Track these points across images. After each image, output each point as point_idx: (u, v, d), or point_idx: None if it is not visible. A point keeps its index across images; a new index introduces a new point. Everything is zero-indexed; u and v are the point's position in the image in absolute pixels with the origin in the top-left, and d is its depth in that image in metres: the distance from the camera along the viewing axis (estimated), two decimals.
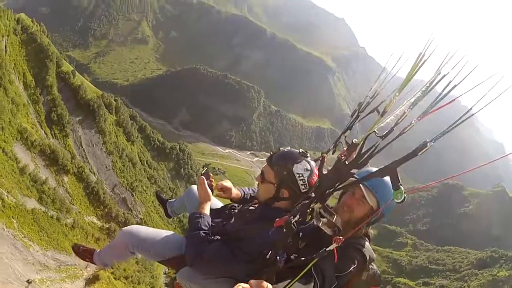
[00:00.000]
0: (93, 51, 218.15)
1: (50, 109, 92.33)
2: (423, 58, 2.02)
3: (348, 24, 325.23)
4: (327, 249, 2.30)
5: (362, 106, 3.28)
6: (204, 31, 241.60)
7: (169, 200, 4.37)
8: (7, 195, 66.25)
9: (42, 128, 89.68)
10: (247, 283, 2.09)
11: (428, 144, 2.09)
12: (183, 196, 4.06)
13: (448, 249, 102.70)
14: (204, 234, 3.02)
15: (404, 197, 2.13)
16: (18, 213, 44.02)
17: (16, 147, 78.95)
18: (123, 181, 74.66)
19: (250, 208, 3.34)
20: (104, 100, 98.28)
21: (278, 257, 2.43)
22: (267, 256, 2.54)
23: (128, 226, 3.66)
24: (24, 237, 39.73)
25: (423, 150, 2.20)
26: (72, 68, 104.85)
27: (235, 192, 3.62)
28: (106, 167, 75.24)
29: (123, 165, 77.47)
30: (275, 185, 3.04)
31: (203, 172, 3.50)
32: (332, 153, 3.42)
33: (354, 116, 3.38)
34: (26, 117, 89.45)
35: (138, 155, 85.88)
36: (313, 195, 2.50)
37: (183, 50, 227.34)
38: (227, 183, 3.58)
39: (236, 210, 3.47)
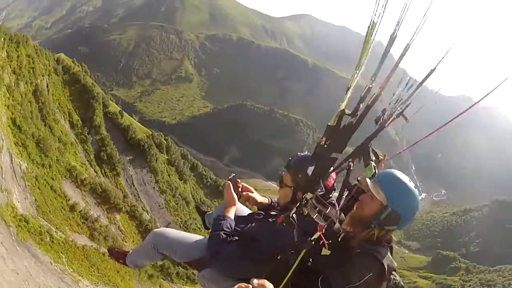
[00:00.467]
0: (137, 90, 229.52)
1: (99, 149, 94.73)
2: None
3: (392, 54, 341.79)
4: (312, 238, 2.58)
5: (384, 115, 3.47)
6: (246, 66, 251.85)
7: (207, 212, 4.56)
8: (55, 231, 65.25)
9: (91, 167, 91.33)
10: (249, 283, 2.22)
11: (394, 115, 2.92)
12: (218, 208, 4.07)
13: (499, 268, 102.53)
14: (224, 235, 3.20)
15: (374, 172, 3.08)
16: (67, 248, 43.44)
17: (65, 184, 79.83)
18: (177, 219, 75.89)
19: (272, 213, 3.53)
20: (154, 139, 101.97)
21: (290, 259, 2.65)
22: (279, 257, 2.76)
23: (159, 228, 4.07)
24: (73, 271, 38.97)
25: (389, 121, 2.90)
26: (120, 109, 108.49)
27: (261, 199, 3.76)
28: (159, 205, 77.00)
29: (177, 204, 79.25)
30: (292, 188, 3.20)
31: (230, 177, 3.62)
32: (358, 161, 3.73)
33: (379, 124, 3.51)
34: (75, 155, 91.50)
35: (191, 193, 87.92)
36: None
37: (227, 87, 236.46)
38: (254, 193, 3.74)
39: (261, 216, 3.60)
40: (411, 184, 2.86)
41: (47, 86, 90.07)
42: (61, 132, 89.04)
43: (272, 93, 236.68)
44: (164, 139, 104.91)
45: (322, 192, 3.10)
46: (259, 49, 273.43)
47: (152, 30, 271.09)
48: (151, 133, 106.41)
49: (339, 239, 3.07)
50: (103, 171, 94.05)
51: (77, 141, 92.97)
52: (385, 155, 4.18)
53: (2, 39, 73.86)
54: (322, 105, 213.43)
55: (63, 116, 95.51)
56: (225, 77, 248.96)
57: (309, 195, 2.61)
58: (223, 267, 3.15)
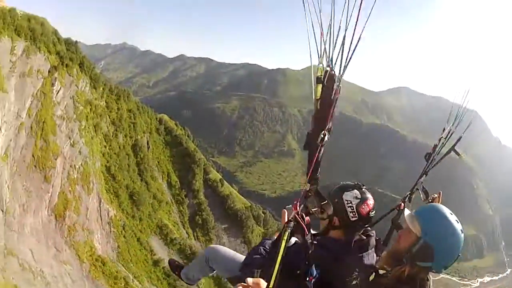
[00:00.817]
0: (239, 160, 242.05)
1: (195, 212, 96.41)
2: None
3: (481, 116, 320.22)
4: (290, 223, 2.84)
5: (438, 147, 4.65)
6: (348, 142, 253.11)
7: (182, 271, 5.03)
8: (132, 279, 63.23)
9: (184, 228, 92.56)
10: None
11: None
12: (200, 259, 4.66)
13: None
14: (262, 250, 3.45)
15: None
16: None
17: (153, 239, 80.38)
18: None
19: None
20: (252, 211, 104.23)
21: (307, 272, 2.74)
22: (297, 271, 2.85)
23: (214, 244, 4.80)
24: None
25: (442, 157, 4.41)
26: (220, 177, 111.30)
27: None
28: None
29: None
30: (331, 214, 3.29)
31: (287, 207, 3.64)
32: (409, 201, 4.47)
33: (430, 160, 4.60)
34: (168, 214, 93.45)
35: None
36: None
37: (331, 163, 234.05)
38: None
39: None
40: (451, 218, 2.79)
41: (148, 143, 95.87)
42: (157, 189, 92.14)
43: (372, 171, 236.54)
44: (263, 212, 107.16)
45: (355, 218, 3.11)
46: (360, 125, 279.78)
47: (255, 102, 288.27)
48: (249, 204, 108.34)
49: (370, 278, 3.01)
50: (195, 235, 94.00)
51: (173, 201, 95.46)
52: (439, 193, 4.36)
53: (102, 89, 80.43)
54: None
55: (162, 175, 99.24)
56: (328, 153, 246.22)
57: (307, 186, 2.85)
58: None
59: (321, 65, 2.73)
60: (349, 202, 3.16)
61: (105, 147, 78.52)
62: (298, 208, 2.93)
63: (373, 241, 3.25)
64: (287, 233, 2.61)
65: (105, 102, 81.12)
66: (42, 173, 56.12)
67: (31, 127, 54.22)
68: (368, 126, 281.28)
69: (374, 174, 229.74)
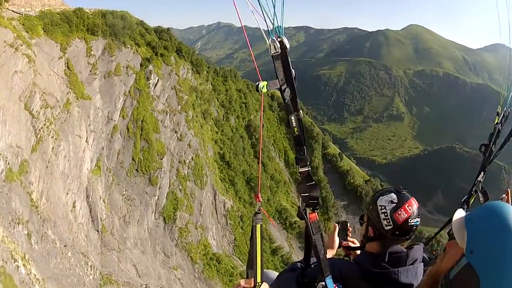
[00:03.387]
0: (349, 126, 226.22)
1: None
2: None
3: None
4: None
5: (493, 138, 3.90)
6: (454, 104, 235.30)
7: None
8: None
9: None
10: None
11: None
12: None
13: None
14: (298, 265, 2.85)
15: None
16: None
17: (272, 226, 70.17)
18: None
19: None
20: (371, 185, 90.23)
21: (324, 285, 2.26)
22: (316, 285, 2.33)
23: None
24: None
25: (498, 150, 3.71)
26: (339, 151, 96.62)
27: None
28: None
29: None
30: (366, 223, 2.72)
31: (340, 220, 3.35)
32: (467, 207, 3.88)
33: (487, 153, 3.87)
34: (286, 195, 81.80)
35: None
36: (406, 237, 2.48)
37: (438, 127, 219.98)
38: (356, 245, 3.29)
39: None
40: None
41: (261, 122, 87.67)
42: (275, 170, 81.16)
43: (480, 135, 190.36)
44: (380, 185, 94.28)
45: (389, 227, 2.42)
46: (465, 86, 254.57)
47: (360, 66, 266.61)
48: (368, 178, 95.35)
49: None
50: None
51: (291, 180, 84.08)
52: (507, 192, 3.45)
53: (206, 72, 67.76)
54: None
55: (279, 154, 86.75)
56: (435, 116, 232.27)
57: (304, 169, 2.15)
58: None
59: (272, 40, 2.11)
60: (382, 207, 2.45)
61: (217, 133, 68.32)
62: (260, 198, 2.28)
63: (415, 254, 2.41)
64: (258, 226, 2.17)
65: (211, 85, 70.12)
66: (146, 176, 47.25)
67: (128, 129, 44.89)
68: (472, 87, 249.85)
69: (482, 138, 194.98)
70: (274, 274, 3.53)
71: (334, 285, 2.22)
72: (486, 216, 1.58)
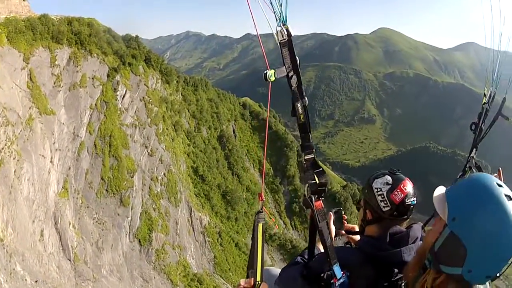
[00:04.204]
0: (321, 131, 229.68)
1: (291, 199, 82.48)
2: None
3: None
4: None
5: (481, 119, 4.06)
6: (425, 104, 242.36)
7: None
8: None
9: (281, 219, 79.28)
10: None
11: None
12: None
13: None
14: (299, 259, 2.88)
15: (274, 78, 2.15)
16: None
17: (250, 239, 68.04)
18: None
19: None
20: (349, 190, 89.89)
21: (335, 276, 2.21)
22: (323, 276, 2.31)
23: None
24: None
25: (490, 124, 3.62)
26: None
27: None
28: None
29: None
30: (363, 208, 2.78)
31: (335, 210, 3.34)
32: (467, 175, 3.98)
33: (478, 131, 4.07)
34: (264, 205, 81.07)
35: None
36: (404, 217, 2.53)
37: (410, 127, 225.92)
38: (356, 229, 3.21)
39: None
40: (499, 191, 1.59)
41: (234, 132, 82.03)
42: (250, 181, 79.46)
43: (453, 133, 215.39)
44: (358, 190, 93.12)
45: (387, 208, 2.48)
46: (436, 86, 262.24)
47: (330, 70, 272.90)
48: (345, 183, 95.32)
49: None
50: (292, 224, 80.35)
51: (267, 190, 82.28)
52: (499, 170, 3.54)
53: (175, 82, 64.96)
54: (502, 144, 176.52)
55: (253, 164, 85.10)
56: (407, 116, 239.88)
57: (309, 157, 2.17)
58: (281, 285, 2.82)
59: (279, 27, 2.15)
60: (378, 189, 2.52)
61: (189, 145, 65.96)
62: (263, 197, 2.33)
63: (415, 232, 2.45)
64: (260, 225, 2.18)
65: (182, 95, 67.72)
66: (117, 196, 44.21)
67: (95, 145, 41.80)
68: (444, 86, 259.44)
69: (455, 136, 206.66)
70: (277, 271, 3.49)
71: (341, 272, 2.18)
72: (466, 183, 1.69)
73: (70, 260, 34.37)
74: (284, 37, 2.09)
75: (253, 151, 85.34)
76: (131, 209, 45.90)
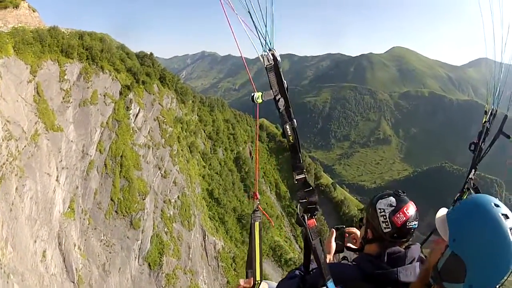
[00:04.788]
0: (336, 152, 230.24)
1: None
2: None
3: None
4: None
5: (483, 136, 4.01)
6: (441, 123, 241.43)
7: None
8: None
9: (297, 243, 76.70)
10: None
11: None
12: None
13: None
14: (297, 272, 2.88)
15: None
16: None
17: (266, 264, 65.33)
18: None
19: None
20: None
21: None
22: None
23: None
24: None
25: (490, 143, 3.73)
26: (332, 181, 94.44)
27: None
28: None
29: None
30: (365, 226, 2.82)
31: (338, 226, 3.34)
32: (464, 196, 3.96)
33: (477, 151, 4.05)
34: (279, 229, 77.95)
35: None
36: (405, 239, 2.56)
37: (426, 147, 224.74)
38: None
39: None
40: (496, 211, 1.76)
41: (251, 154, 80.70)
42: (266, 204, 77.26)
43: (468, 152, 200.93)
44: None
45: (388, 230, 2.50)
46: (451, 104, 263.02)
47: (346, 91, 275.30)
48: (362, 206, 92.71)
49: None
50: None
51: (283, 214, 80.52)
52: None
53: (191, 102, 63.88)
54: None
55: (270, 187, 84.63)
56: (422, 136, 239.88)
57: (301, 177, 2.24)
58: None
59: (265, 53, 2.21)
60: (381, 210, 2.55)
61: (204, 167, 64.53)
62: (258, 195, 2.44)
63: (412, 253, 2.52)
64: (257, 224, 2.28)
65: (197, 116, 66.84)
66: (127, 218, 42.75)
67: (105, 165, 40.72)
68: (459, 104, 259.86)
69: (470, 154, 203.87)
70: (274, 285, 3.35)
71: (335, 287, 2.20)
72: (465, 205, 1.84)
73: (74, 283, 32.84)
74: (270, 62, 2.11)
75: (270, 173, 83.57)
76: (142, 232, 44.33)
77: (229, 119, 77.18)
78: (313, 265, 2.65)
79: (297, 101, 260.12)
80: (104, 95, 41.16)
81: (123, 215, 42.31)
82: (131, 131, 46.22)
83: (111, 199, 41.10)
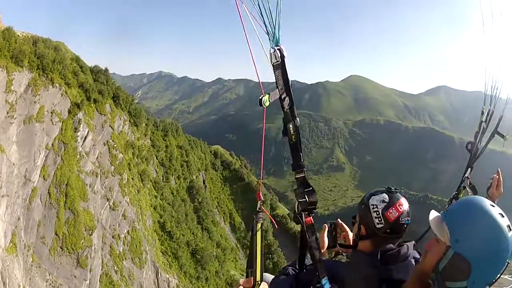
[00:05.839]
0: (289, 179, 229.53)
1: (264, 256, 77.72)
2: None
3: None
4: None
5: (478, 138, 4.19)
6: (396, 150, 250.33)
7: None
8: None
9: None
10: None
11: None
12: None
13: None
14: (290, 270, 2.94)
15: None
16: None
17: None
18: None
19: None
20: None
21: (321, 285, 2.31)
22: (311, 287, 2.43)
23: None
24: None
25: (486, 143, 3.92)
26: (288, 211, 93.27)
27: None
28: None
29: None
30: (358, 222, 2.83)
31: (332, 221, 3.39)
32: (461, 195, 4.25)
33: (473, 151, 4.17)
34: (234, 262, 74.77)
35: None
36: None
37: (380, 174, 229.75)
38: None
39: None
40: (493, 211, 1.88)
41: (204, 183, 77.25)
42: (221, 236, 74.46)
43: (424, 177, 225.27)
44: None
45: (381, 225, 2.55)
46: (407, 131, 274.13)
47: (300, 118, 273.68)
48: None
49: None
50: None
51: (238, 246, 78.29)
52: (498, 172, 3.94)
53: (145, 125, 60.29)
54: (476, 183, 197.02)
55: (224, 218, 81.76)
56: (377, 163, 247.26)
57: (300, 175, 2.27)
58: None
59: (272, 50, 2.14)
60: (374, 206, 2.58)
61: (156, 197, 60.43)
62: (261, 196, 2.45)
63: (406, 251, 2.53)
64: (259, 225, 2.28)
65: (150, 140, 62.72)
66: (73, 256, 37.84)
67: (49, 193, 35.89)
68: (414, 130, 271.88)
69: (426, 180, 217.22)
70: (269, 277, 3.52)
71: (330, 286, 2.26)
72: (463, 207, 1.90)
73: None
74: (278, 59, 2.10)
75: (224, 203, 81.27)
76: (90, 271, 39.69)
77: (183, 145, 73.79)
78: (307, 261, 2.69)
79: (251, 127, 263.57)
80: (51, 112, 36.55)
81: (69, 252, 37.38)
82: (78, 155, 41.57)
83: (56, 233, 36.21)
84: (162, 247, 57.64)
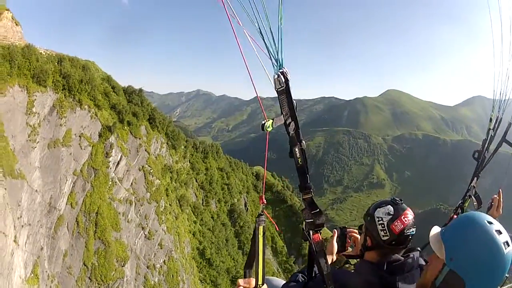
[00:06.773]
0: (329, 197, 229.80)
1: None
2: None
3: None
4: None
5: (486, 145, 4.20)
6: (435, 165, 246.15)
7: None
8: None
9: None
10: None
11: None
12: None
13: None
14: (300, 277, 3.00)
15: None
16: None
17: None
18: None
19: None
20: None
21: None
22: None
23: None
24: None
25: (495, 150, 4.00)
26: (331, 234, 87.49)
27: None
28: None
29: None
30: (364, 234, 2.93)
31: (341, 226, 3.52)
32: (462, 212, 4.11)
33: (480, 159, 4.17)
34: None
35: None
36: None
37: (420, 190, 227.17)
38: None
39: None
40: (490, 228, 1.88)
41: (245, 206, 70.90)
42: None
43: (461, 191, 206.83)
44: None
45: (386, 237, 2.61)
46: (445, 145, 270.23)
47: (339, 135, 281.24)
48: None
49: None
50: None
51: (279, 270, 73.78)
52: (499, 191, 3.88)
53: (183, 146, 57.13)
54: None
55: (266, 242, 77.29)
56: (416, 179, 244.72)
57: (307, 196, 2.30)
58: None
59: (276, 75, 2.15)
60: (380, 219, 2.65)
61: (195, 223, 57.38)
62: (264, 200, 2.36)
63: (412, 261, 2.61)
64: (261, 228, 2.27)
65: (190, 163, 60.28)
66: (103, 287, 34.76)
67: (77, 222, 33.57)
68: (452, 144, 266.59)
69: (463, 193, 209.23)
70: (278, 281, 3.63)
71: None
72: (458, 226, 1.93)
73: None
74: (282, 85, 2.07)
75: (266, 226, 76.17)
76: None
77: (224, 167, 70.80)
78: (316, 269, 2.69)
79: (288, 145, 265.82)
80: (79, 136, 34.60)
81: (98, 283, 34.67)
82: (110, 182, 39.23)
83: (84, 264, 33.58)
84: (201, 275, 54.22)
